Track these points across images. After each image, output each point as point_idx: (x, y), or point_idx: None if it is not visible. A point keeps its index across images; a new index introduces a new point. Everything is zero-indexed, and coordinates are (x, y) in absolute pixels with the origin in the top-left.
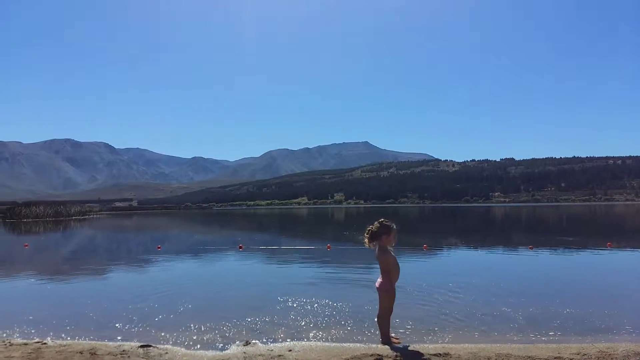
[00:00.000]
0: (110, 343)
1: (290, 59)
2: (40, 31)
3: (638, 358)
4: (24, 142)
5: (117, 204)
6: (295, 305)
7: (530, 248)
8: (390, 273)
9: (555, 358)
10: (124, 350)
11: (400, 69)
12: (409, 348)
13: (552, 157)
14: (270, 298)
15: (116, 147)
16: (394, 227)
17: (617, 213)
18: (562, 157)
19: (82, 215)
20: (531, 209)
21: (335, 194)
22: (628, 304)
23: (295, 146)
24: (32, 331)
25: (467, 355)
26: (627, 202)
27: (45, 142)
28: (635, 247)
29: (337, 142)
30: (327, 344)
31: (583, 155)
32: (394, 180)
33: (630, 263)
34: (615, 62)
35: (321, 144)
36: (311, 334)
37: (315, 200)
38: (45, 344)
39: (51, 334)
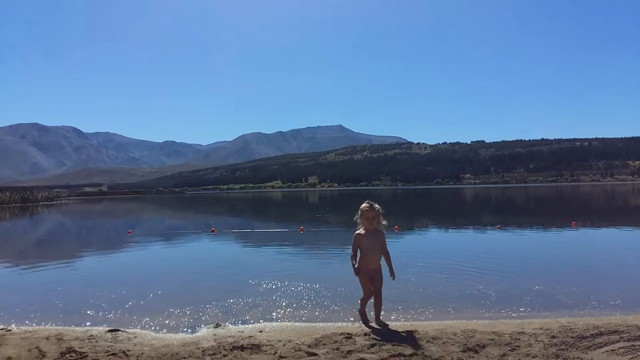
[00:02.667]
0: (78, 328)
1: (265, 42)
2: (6, 12)
3: (596, 331)
4: None
5: (86, 189)
6: (267, 287)
7: (498, 228)
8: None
9: (519, 333)
10: (91, 335)
11: (373, 54)
12: (378, 326)
13: (521, 140)
14: (242, 281)
15: (85, 131)
16: (364, 208)
17: (583, 193)
18: (531, 139)
19: (49, 201)
20: (500, 190)
21: (309, 177)
22: (593, 280)
23: (269, 130)
24: None
25: (434, 332)
26: (593, 183)
27: (10, 126)
28: (598, 226)
29: (311, 126)
30: (298, 324)
31: (551, 138)
32: (367, 163)
33: (595, 241)
34: (585, 49)
35: (295, 128)
36: (283, 315)
37: (289, 183)
38: (9, 330)
39: (13, 320)
